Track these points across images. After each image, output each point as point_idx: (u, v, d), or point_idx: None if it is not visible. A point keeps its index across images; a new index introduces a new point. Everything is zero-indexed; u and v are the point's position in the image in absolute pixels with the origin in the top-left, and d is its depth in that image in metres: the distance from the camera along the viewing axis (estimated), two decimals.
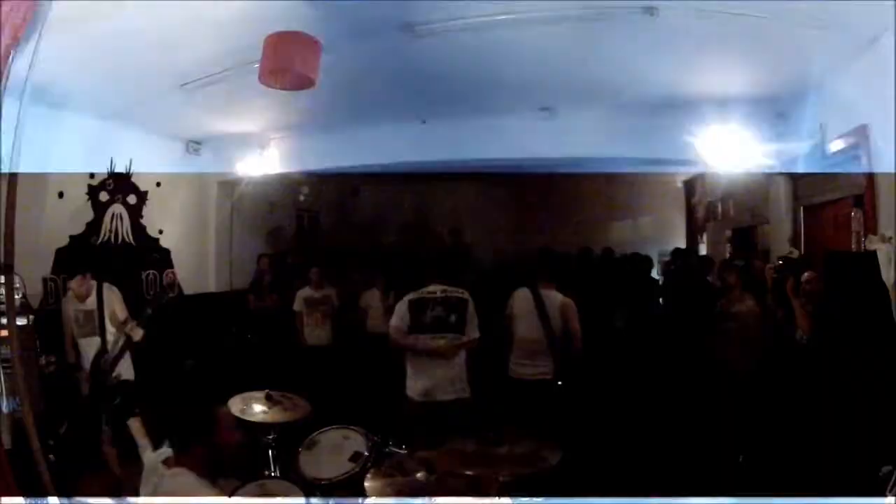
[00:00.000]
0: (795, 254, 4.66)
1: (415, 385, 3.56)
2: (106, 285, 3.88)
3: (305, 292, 5.75)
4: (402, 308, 3.67)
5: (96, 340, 3.76)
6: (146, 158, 5.83)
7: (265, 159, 6.55)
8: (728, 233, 7.08)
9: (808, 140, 4.36)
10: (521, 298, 3.81)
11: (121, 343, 3.63)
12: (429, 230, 10.46)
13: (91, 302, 3.82)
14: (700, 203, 8.31)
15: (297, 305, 5.74)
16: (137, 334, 3.61)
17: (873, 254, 2.78)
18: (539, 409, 3.49)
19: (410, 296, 3.68)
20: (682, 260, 6.81)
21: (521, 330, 3.75)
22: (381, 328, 6.18)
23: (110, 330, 3.77)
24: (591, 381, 4.22)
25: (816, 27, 3.24)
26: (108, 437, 3.40)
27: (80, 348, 3.85)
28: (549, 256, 4.51)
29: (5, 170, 2.06)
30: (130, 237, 5.76)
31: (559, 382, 3.65)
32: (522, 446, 2.19)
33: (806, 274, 3.53)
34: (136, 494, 1.88)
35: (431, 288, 3.66)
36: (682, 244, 8.76)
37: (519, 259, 8.06)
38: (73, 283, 3.86)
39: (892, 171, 3.20)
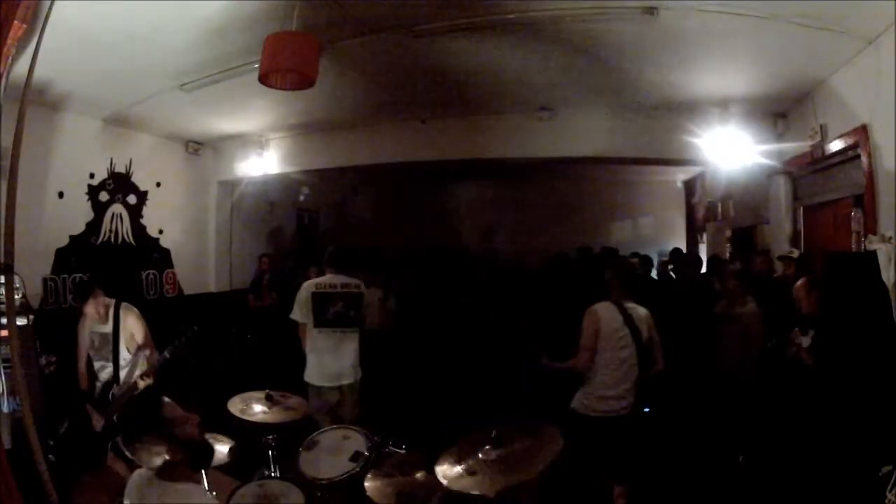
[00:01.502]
0: (796, 253, 4.66)
1: (315, 374, 3.90)
2: (124, 305, 3.63)
3: None
4: (303, 303, 3.93)
5: (111, 366, 3.57)
6: (146, 158, 5.85)
7: (265, 159, 6.57)
8: (728, 233, 7.08)
9: (808, 140, 4.35)
10: (607, 313, 3.23)
11: (129, 383, 3.45)
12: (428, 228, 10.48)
13: (108, 325, 3.56)
14: (700, 203, 8.31)
15: None
16: (145, 384, 3.38)
17: (873, 254, 2.78)
18: (615, 446, 3.08)
19: (312, 289, 3.94)
20: (680, 260, 6.81)
21: (609, 350, 3.18)
22: (380, 326, 6.23)
23: (125, 356, 3.57)
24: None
25: (816, 27, 3.24)
26: (113, 457, 3.36)
27: (97, 372, 3.63)
28: (620, 263, 3.79)
29: (5, 170, 2.06)
30: (130, 237, 5.76)
31: (646, 409, 3.25)
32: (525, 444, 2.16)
33: (798, 283, 3.51)
34: None
35: (330, 280, 3.98)
36: (682, 244, 8.77)
37: (520, 260, 8.07)
38: (88, 308, 3.54)
39: (892, 171, 3.20)
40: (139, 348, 3.58)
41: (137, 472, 1.75)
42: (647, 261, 6.51)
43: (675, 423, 4.01)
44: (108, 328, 3.59)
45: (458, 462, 2.09)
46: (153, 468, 1.72)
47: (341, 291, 3.95)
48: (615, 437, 3.13)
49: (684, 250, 8.02)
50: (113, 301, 3.65)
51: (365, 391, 4.11)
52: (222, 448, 2.74)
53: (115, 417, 3.40)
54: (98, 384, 3.61)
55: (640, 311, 3.30)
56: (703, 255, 7.50)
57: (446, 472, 2.07)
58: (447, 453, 2.17)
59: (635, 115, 5.25)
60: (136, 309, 3.70)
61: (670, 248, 7.62)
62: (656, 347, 3.27)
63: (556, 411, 3.28)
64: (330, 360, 3.90)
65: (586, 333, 3.22)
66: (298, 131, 6.40)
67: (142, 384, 3.43)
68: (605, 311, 3.24)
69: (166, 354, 3.42)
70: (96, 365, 3.64)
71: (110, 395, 3.50)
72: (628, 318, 3.21)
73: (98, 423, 3.46)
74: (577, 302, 3.49)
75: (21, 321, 3.37)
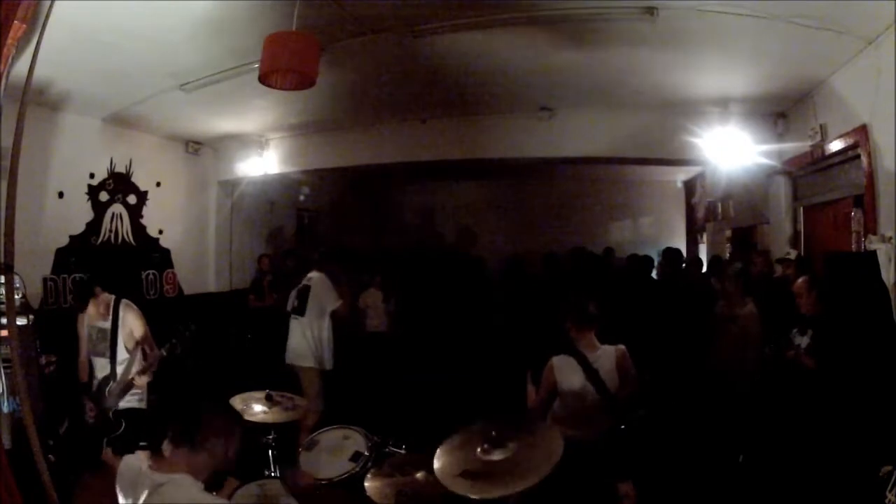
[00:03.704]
0: (793, 255, 4.66)
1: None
2: (124, 302, 3.64)
3: None
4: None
5: (107, 362, 3.57)
6: (146, 158, 5.85)
7: (265, 159, 6.57)
8: (728, 233, 7.08)
9: (808, 140, 4.35)
10: (565, 368, 2.92)
11: (127, 378, 3.46)
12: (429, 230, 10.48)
13: (107, 321, 3.58)
14: (700, 203, 8.31)
15: None
16: (141, 381, 3.44)
17: (873, 254, 2.78)
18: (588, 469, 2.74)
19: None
20: (677, 261, 6.80)
21: (567, 403, 2.93)
22: (380, 327, 6.24)
23: (122, 352, 3.56)
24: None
25: (816, 27, 3.24)
26: (109, 454, 3.37)
27: (94, 366, 3.64)
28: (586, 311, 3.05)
29: (5, 170, 2.06)
30: (130, 237, 5.76)
31: (622, 427, 2.97)
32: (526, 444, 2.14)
33: (798, 281, 3.50)
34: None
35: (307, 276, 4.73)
36: (682, 244, 8.78)
37: (519, 261, 8.05)
38: (90, 309, 3.60)
39: (892, 171, 3.20)
40: (137, 345, 3.58)
41: (128, 462, 1.74)
42: (647, 261, 6.51)
43: (675, 424, 4.00)
44: (107, 324, 3.58)
45: (457, 462, 2.08)
46: (146, 458, 1.71)
47: (301, 286, 4.70)
48: (588, 459, 2.77)
49: (682, 250, 8.01)
50: (113, 297, 3.65)
51: (330, 382, 4.57)
52: None
53: (111, 413, 3.43)
54: (95, 381, 3.61)
55: (607, 358, 2.91)
56: (703, 256, 7.51)
57: (445, 472, 2.06)
58: (445, 450, 2.15)
59: (635, 114, 5.25)
60: (135, 306, 3.70)
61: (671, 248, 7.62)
62: (628, 382, 2.92)
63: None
64: (290, 340, 4.62)
65: (542, 387, 2.97)
66: (298, 131, 6.40)
67: (138, 381, 3.43)
68: (562, 368, 2.90)
69: (163, 352, 3.42)
70: (93, 360, 3.65)
71: (106, 392, 3.51)
72: (591, 374, 2.84)
73: (91, 413, 3.48)
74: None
75: (21, 321, 3.36)
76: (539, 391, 3.00)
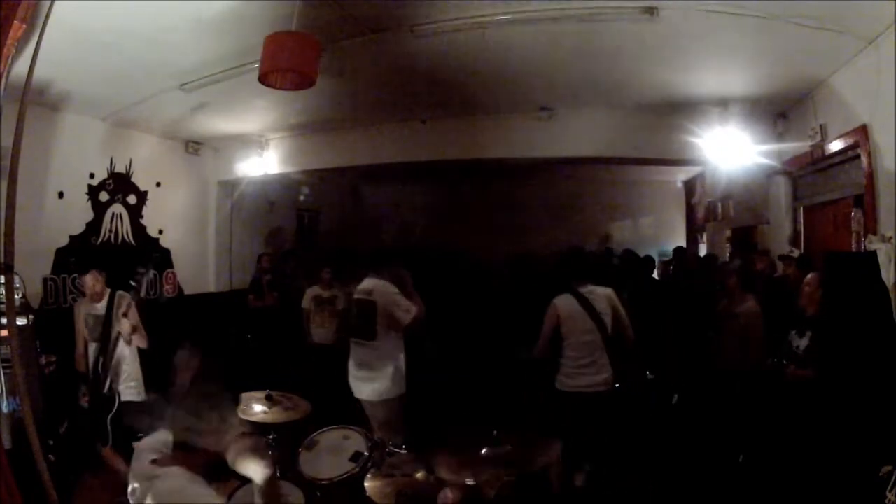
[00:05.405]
0: (796, 253, 4.66)
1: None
2: (119, 293, 3.79)
3: (314, 291, 5.67)
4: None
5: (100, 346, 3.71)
6: (146, 158, 5.85)
7: (265, 159, 6.57)
8: (728, 233, 7.08)
9: (808, 140, 4.35)
10: (565, 303, 3.50)
11: (112, 342, 3.57)
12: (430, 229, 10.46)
13: (102, 306, 3.75)
14: (700, 203, 8.31)
15: (306, 303, 5.67)
16: (126, 327, 3.49)
17: (873, 254, 2.78)
18: (598, 422, 3.32)
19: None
20: (681, 260, 6.80)
21: (572, 335, 3.44)
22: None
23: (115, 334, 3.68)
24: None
25: (816, 27, 3.24)
26: (109, 446, 3.40)
27: (90, 353, 3.77)
28: (579, 255, 4.11)
29: (5, 170, 2.06)
30: (130, 237, 5.76)
31: (616, 385, 3.42)
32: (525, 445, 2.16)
33: (808, 277, 3.50)
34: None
35: (360, 286, 3.72)
36: (682, 244, 8.77)
37: (518, 261, 8.06)
38: (88, 278, 3.77)
39: (892, 170, 3.20)
40: (124, 315, 3.65)
41: (140, 449, 1.75)
42: (648, 261, 6.51)
43: (677, 423, 4.01)
44: (102, 310, 3.74)
45: (459, 465, 2.09)
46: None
47: (358, 301, 3.75)
48: (595, 413, 3.32)
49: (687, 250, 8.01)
50: (109, 290, 3.81)
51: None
52: None
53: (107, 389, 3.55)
54: (90, 363, 3.74)
55: (598, 293, 3.49)
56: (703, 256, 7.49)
57: (447, 473, 2.07)
58: (448, 455, 2.17)
59: (635, 115, 5.25)
60: (129, 295, 3.82)
61: (670, 248, 7.62)
62: (623, 323, 3.49)
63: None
64: (356, 371, 3.72)
65: (544, 325, 3.49)
66: (298, 131, 6.40)
67: (123, 326, 3.56)
68: (562, 302, 3.49)
69: (131, 284, 3.64)
70: (90, 346, 3.77)
71: (100, 366, 3.61)
72: (586, 304, 3.43)
73: (84, 398, 3.62)
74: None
75: (21, 321, 3.38)
76: (542, 331, 3.48)
